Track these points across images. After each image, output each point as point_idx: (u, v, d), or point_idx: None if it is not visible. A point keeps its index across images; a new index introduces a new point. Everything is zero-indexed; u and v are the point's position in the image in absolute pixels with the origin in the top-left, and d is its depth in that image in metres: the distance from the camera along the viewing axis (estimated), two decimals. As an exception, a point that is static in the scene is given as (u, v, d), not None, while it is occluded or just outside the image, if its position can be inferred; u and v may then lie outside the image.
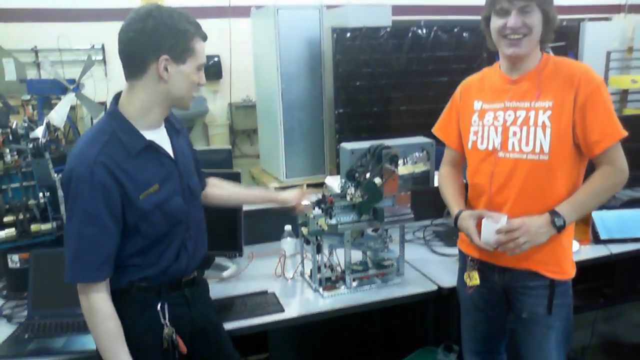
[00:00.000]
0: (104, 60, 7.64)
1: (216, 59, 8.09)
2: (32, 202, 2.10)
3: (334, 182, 3.31)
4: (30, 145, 2.15)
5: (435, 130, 1.99)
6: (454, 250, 2.35)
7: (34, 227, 2.08)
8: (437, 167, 2.96)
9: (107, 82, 7.57)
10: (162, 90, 1.43)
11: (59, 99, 6.41)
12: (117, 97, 1.48)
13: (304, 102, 6.42)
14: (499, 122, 1.69)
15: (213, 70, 8.10)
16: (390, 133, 6.34)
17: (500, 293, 1.79)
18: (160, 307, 1.50)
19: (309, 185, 6.60)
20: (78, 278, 1.39)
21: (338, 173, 6.41)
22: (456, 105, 1.87)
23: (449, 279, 2.10)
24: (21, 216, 2.07)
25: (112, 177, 1.37)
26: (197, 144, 8.39)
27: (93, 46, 7.50)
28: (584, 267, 2.18)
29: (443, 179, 1.97)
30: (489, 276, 1.78)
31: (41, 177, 2.18)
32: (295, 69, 6.31)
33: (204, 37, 1.46)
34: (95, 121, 7.37)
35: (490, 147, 1.71)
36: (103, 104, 7.44)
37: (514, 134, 1.65)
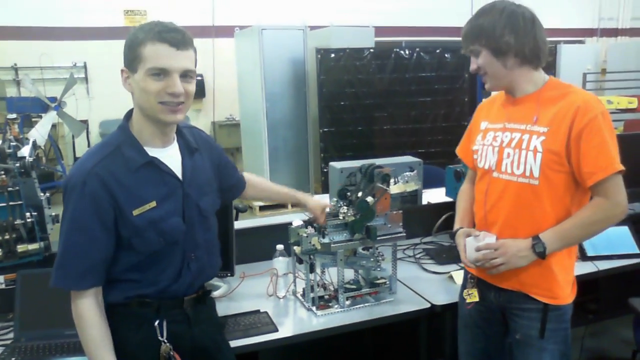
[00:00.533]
0: (86, 79, 7.60)
1: (199, 78, 8.10)
2: (18, 222, 2.05)
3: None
4: (17, 164, 2.12)
5: (457, 150, 1.99)
6: (445, 268, 2.38)
7: (20, 247, 2.04)
8: (424, 187, 3.01)
9: (89, 100, 7.53)
10: (135, 103, 1.43)
11: (40, 117, 6.33)
12: (130, 112, 1.49)
13: (288, 121, 6.49)
14: (497, 142, 1.71)
15: (196, 90, 8.07)
16: (374, 152, 6.42)
17: (497, 312, 1.79)
18: (158, 323, 1.47)
19: (293, 205, 6.60)
20: (59, 284, 1.40)
21: (323, 191, 6.46)
22: (471, 127, 1.90)
23: (441, 297, 2.11)
24: (7, 236, 2.03)
25: (105, 188, 1.37)
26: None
27: (75, 64, 7.46)
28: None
29: (460, 194, 1.98)
30: (487, 294, 1.78)
31: (28, 196, 2.14)
32: (279, 88, 6.37)
33: (159, 38, 1.35)
34: (76, 139, 7.33)
35: (486, 166, 1.74)
36: (85, 122, 7.38)
37: (508, 155, 1.67)
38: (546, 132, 1.59)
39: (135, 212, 1.41)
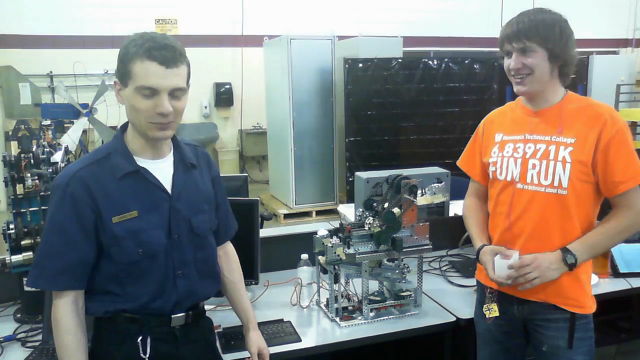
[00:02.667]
0: (117, 86, 7.76)
1: (228, 87, 8.20)
2: (50, 225, 2.09)
3: (348, 211, 3.31)
4: (50, 170, 2.17)
5: (459, 163, 2.00)
6: (471, 281, 2.34)
7: (51, 250, 2.08)
8: (452, 198, 2.98)
9: (119, 107, 7.67)
10: (127, 116, 1.42)
11: (72, 123, 6.49)
12: (126, 123, 1.48)
13: (314, 130, 6.51)
14: (519, 154, 1.71)
15: (224, 98, 8.23)
16: (400, 162, 6.38)
17: (518, 325, 1.77)
18: (142, 340, 1.43)
19: (318, 213, 6.62)
20: (34, 283, 1.40)
21: (348, 201, 6.45)
22: (479, 139, 1.89)
23: (466, 310, 2.07)
24: (39, 239, 2.07)
25: (86, 191, 1.37)
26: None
27: (107, 71, 7.63)
28: (602, 301, 2.17)
29: (468, 211, 1.95)
30: (508, 308, 1.76)
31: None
32: (306, 97, 6.40)
33: (149, 56, 1.31)
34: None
35: (509, 178, 1.72)
36: (114, 128, 7.53)
37: (534, 166, 1.66)
38: (573, 143, 1.61)
39: (115, 220, 1.39)
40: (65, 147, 2.44)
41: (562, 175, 1.60)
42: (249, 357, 1.66)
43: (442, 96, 6.50)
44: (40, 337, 1.93)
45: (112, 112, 7.55)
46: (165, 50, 1.33)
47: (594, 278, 2.30)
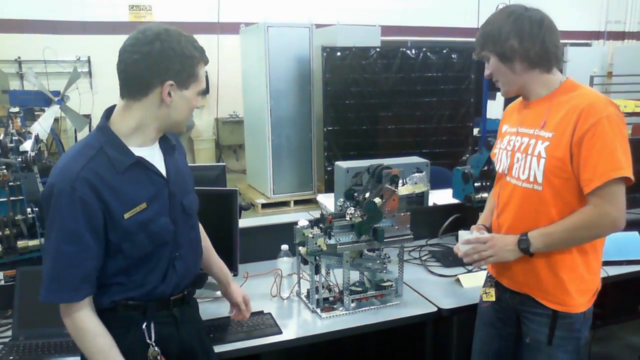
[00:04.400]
0: (89, 73, 7.57)
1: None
2: (19, 217, 2.02)
3: (328, 201, 3.28)
4: (19, 159, 2.09)
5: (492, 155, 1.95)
6: (452, 271, 2.34)
7: (20, 243, 2.01)
8: (431, 187, 2.97)
9: (92, 95, 7.48)
10: (162, 114, 1.38)
11: (43, 110, 6.30)
12: (109, 112, 1.42)
13: (292, 119, 6.46)
14: (510, 146, 1.71)
15: (200, 86, 8.09)
16: (378, 151, 6.39)
17: (512, 314, 1.78)
18: (146, 326, 1.43)
19: (296, 202, 6.59)
20: (53, 298, 1.32)
21: (326, 190, 6.42)
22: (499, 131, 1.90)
23: (447, 300, 2.07)
24: (7, 232, 1.99)
25: (95, 193, 1.31)
26: (182, 159, 8.38)
27: (79, 58, 7.43)
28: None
29: (489, 196, 1.98)
30: (503, 296, 1.78)
31: (29, 191, 2.11)
32: (284, 86, 6.33)
33: (206, 62, 1.43)
34: (79, 134, 7.30)
35: (501, 170, 1.75)
36: (88, 116, 7.34)
37: (517, 159, 1.65)
38: (551, 137, 1.57)
39: (127, 216, 1.35)
40: (35, 136, 2.35)
41: (537, 171, 1.58)
42: (230, 314, 1.80)
43: (419, 86, 6.49)
44: (10, 332, 1.86)
45: (84, 99, 7.37)
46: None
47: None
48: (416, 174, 2.11)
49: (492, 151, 1.82)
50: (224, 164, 2.51)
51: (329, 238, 1.97)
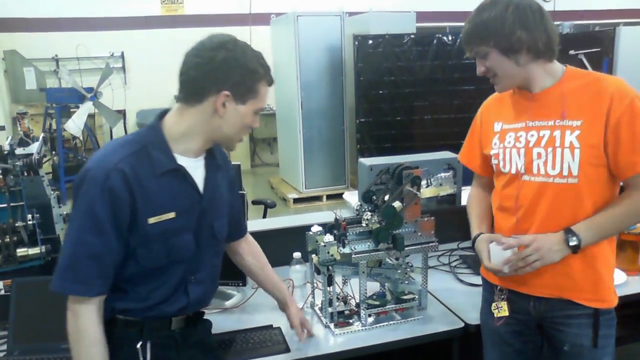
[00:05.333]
0: (123, 68, 7.60)
1: (236, 67, 7.98)
2: (19, 224, 1.93)
3: (353, 199, 3.09)
4: (20, 163, 1.99)
5: (460, 157, 1.84)
6: (483, 280, 2.12)
7: (20, 251, 1.92)
8: (464, 183, 2.74)
9: (125, 91, 7.52)
10: (213, 124, 1.33)
11: (77, 107, 6.36)
12: (164, 113, 1.39)
13: (324, 110, 6.31)
14: (521, 143, 1.53)
15: (233, 79, 8.02)
16: (413, 143, 6.16)
17: (532, 324, 1.60)
18: (141, 345, 1.33)
19: (328, 197, 6.43)
20: (66, 288, 1.26)
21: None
22: (477, 130, 1.73)
23: (476, 315, 1.85)
24: (7, 239, 1.91)
25: (127, 186, 1.25)
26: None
27: (112, 54, 7.46)
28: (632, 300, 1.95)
29: (470, 200, 1.80)
30: (521, 306, 1.59)
31: (33, 195, 2.02)
32: (315, 77, 6.18)
33: (271, 82, 1.36)
34: (113, 130, 7.35)
35: (513, 171, 1.55)
36: (121, 112, 7.40)
37: (539, 155, 1.49)
38: (580, 125, 1.45)
39: (151, 220, 1.29)
40: (42, 138, 2.25)
41: (572, 163, 1.45)
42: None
43: (457, 73, 6.20)
44: (5, 347, 1.77)
45: (118, 95, 7.41)
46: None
47: (622, 276, 2.06)
48: (442, 174, 1.91)
49: (490, 152, 1.62)
50: (239, 163, 2.37)
51: (343, 246, 1.79)
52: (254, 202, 3.77)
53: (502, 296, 1.62)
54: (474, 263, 2.30)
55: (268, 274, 1.74)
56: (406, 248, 1.81)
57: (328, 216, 2.84)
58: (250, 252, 1.73)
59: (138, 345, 1.33)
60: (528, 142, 1.51)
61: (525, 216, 1.53)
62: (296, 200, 6.27)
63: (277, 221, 2.70)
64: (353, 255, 1.77)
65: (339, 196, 6.31)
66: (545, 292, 1.54)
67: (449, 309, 1.93)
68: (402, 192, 1.81)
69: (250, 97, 1.31)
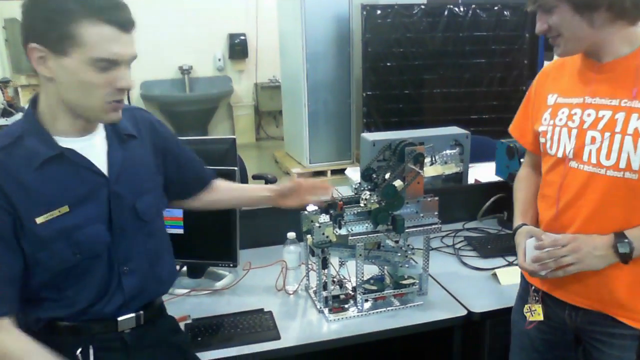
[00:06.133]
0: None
1: (242, 38, 7.78)
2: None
3: (355, 175, 2.97)
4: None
5: (510, 129, 1.59)
6: (489, 263, 2.02)
7: None
8: (473, 160, 2.60)
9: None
10: (53, 91, 1.11)
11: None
12: (37, 96, 1.18)
13: (330, 83, 6.10)
14: (575, 122, 1.30)
15: (239, 49, 7.82)
16: (422, 117, 5.98)
17: (567, 335, 1.42)
18: (82, 351, 1.19)
19: (333, 172, 6.30)
20: None
21: (364, 160, 6.07)
22: (531, 99, 1.48)
23: (481, 302, 1.76)
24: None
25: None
26: (221, 126, 8.21)
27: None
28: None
29: (517, 183, 1.59)
30: (556, 313, 1.42)
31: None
32: (321, 48, 5.98)
33: (109, 21, 1.05)
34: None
35: (560, 154, 1.34)
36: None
37: (593, 140, 1.26)
38: None
39: (39, 220, 1.10)
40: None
41: (633, 154, 1.20)
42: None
43: (468, 46, 5.95)
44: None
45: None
46: (122, 10, 1.09)
47: None
48: (448, 151, 1.79)
49: (539, 128, 1.41)
50: (234, 137, 2.26)
51: (339, 228, 1.67)
52: (255, 177, 3.66)
53: (537, 298, 1.43)
54: (479, 245, 2.18)
55: (245, 188, 1.68)
56: (407, 230, 1.69)
57: (338, 185, 2.74)
58: (224, 194, 1.58)
59: (78, 352, 1.19)
60: (583, 123, 1.28)
61: (566, 209, 1.32)
62: (300, 175, 6.14)
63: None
64: (349, 237, 1.65)
65: (343, 172, 6.19)
66: (584, 302, 1.34)
67: (451, 294, 1.82)
68: (403, 170, 1.68)
69: (69, 45, 1.04)
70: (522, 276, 1.54)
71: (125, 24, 1.08)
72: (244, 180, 2.86)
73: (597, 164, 1.25)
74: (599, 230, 1.27)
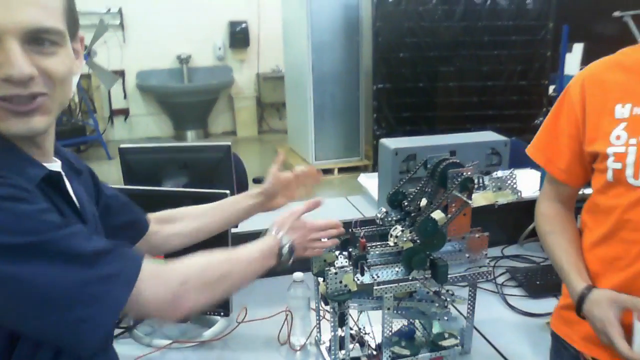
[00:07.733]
0: (121, 26, 7.02)
1: (243, 25, 7.41)
2: None
3: (370, 184, 2.58)
4: None
5: (532, 151, 1.28)
6: (540, 306, 1.63)
7: None
8: (508, 167, 2.24)
9: (124, 49, 6.98)
10: None
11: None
12: None
13: (337, 75, 5.77)
14: None
15: (240, 38, 7.46)
16: (436, 112, 5.67)
17: None
18: None
19: (340, 170, 5.94)
20: None
21: (374, 159, 5.71)
22: (573, 113, 1.15)
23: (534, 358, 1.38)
24: None
25: None
26: (221, 118, 7.83)
27: (109, 10, 6.88)
28: None
29: (549, 224, 1.25)
30: None
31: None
32: (328, 37, 5.64)
33: None
34: (111, 91, 6.85)
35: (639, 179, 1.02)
36: (120, 72, 6.88)
37: None
38: None
39: None
40: None
41: None
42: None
43: (487, 36, 5.59)
44: None
45: (113, 55, 6.88)
46: None
47: None
48: (499, 172, 1.38)
49: (610, 149, 1.07)
50: (229, 143, 1.89)
51: (362, 273, 1.29)
52: (255, 181, 3.29)
53: None
54: (525, 280, 1.80)
55: (229, 202, 1.36)
56: (449, 276, 1.30)
57: (341, 210, 2.35)
58: (196, 222, 1.30)
59: None
60: None
61: None
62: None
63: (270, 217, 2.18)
64: (375, 287, 1.27)
65: (351, 170, 5.83)
66: None
67: (497, 350, 1.44)
68: (447, 197, 1.30)
69: None
70: (556, 337, 1.22)
71: None
72: (244, 186, 2.52)
73: None
74: None
